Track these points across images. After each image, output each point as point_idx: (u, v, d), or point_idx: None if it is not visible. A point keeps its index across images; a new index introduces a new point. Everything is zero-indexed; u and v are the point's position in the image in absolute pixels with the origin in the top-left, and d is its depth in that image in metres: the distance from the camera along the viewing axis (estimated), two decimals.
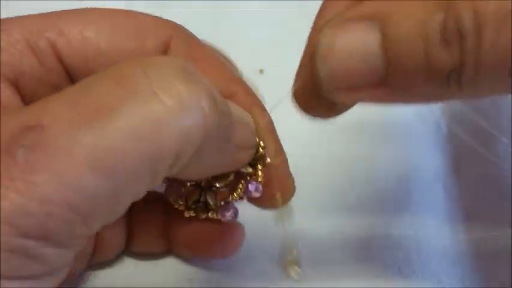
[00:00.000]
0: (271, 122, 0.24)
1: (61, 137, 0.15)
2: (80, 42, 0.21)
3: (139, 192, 0.17)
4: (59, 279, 0.17)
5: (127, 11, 0.23)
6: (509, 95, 0.34)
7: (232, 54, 0.36)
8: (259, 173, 0.22)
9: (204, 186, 0.23)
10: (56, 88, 0.21)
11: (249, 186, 0.22)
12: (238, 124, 0.20)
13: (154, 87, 0.16)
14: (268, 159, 0.22)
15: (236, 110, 0.21)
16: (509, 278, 0.29)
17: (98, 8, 0.23)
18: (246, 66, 0.35)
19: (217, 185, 0.22)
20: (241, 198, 0.23)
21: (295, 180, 0.25)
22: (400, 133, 0.34)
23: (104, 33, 0.22)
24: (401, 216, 0.31)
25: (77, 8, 0.23)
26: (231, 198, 0.23)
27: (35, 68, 0.21)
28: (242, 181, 0.22)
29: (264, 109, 0.23)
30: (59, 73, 0.22)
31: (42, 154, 0.15)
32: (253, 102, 0.23)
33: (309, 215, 0.31)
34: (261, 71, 0.35)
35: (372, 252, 0.30)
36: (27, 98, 0.21)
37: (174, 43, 0.23)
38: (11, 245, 0.14)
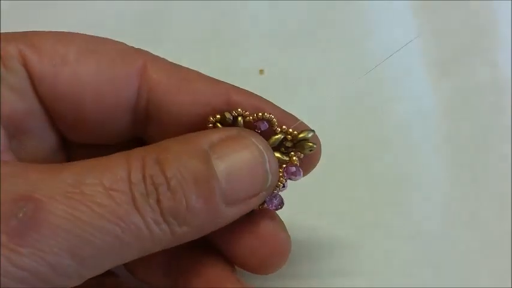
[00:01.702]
0: (284, 112, 0.23)
1: (51, 218, 0.17)
2: (49, 54, 0.21)
3: (109, 268, 0.19)
4: None
5: (98, 37, 0.23)
6: (509, 93, 0.34)
7: (232, 54, 0.36)
8: (294, 158, 0.22)
9: None
10: (18, 93, 0.21)
11: (290, 169, 0.22)
12: (239, 181, 0.20)
13: (135, 195, 0.18)
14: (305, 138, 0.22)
15: (238, 162, 0.20)
16: (510, 278, 0.29)
17: (76, 33, 0.22)
18: (246, 67, 0.35)
19: None
20: (283, 186, 0.22)
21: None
22: (399, 133, 0.34)
23: (74, 50, 0.21)
24: (401, 216, 0.31)
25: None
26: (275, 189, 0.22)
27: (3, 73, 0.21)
28: (280, 170, 0.22)
29: (270, 103, 0.23)
30: (22, 78, 0.21)
31: (32, 229, 0.17)
32: (259, 102, 0.22)
33: (309, 216, 0.31)
34: (261, 71, 0.35)
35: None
36: None
37: (151, 67, 0.22)
38: None
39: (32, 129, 0.22)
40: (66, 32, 0.22)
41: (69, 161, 0.23)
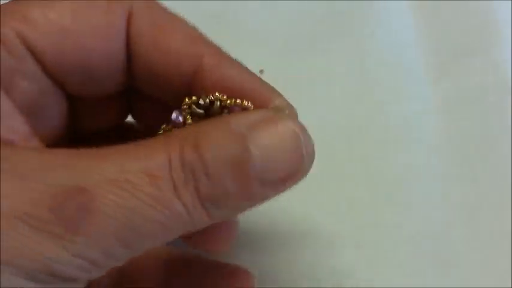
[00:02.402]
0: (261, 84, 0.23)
1: (102, 208, 0.18)
2: (45, 25, 0.21)
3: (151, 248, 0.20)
4: None
5: None
6: (510, 94, 0.34)
7: (232, 54, 0.36)
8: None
9: None
10: (29, 78, 0.22)
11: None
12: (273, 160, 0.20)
13: (176, 182, 0.18)
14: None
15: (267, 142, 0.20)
16: (510, 278, 0.29)
17: None
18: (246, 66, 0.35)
19: None
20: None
21: None
22: (399, 133, 0.34)
23: (67, 13, 0.22)
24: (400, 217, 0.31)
25: None
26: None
27: (6, 61, 0.21)
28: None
29: (245, 72, 0.23)
30: (29, 61, 0.22)
31: (85, 219, 0.18)
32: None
33: (309, 215, 0.31)
34: (261, 71, 0.35)
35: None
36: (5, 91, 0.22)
37: (136, 12, 0.23)
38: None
39: (45, 107, 0.23)
40: None
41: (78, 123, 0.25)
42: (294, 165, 0.20)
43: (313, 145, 0.21)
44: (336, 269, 0.30)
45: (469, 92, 0.34)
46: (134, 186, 0.18)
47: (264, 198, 0.20)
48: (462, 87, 0.34)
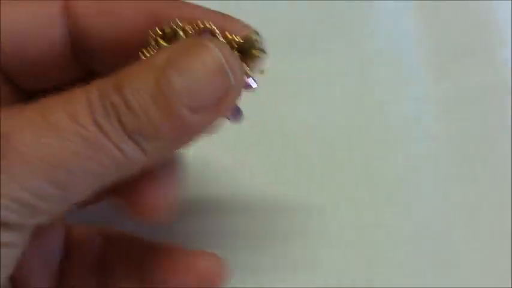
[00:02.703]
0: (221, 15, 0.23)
1: (20, 146, 0.18)
2: None
3: (92, 191, 0.19)
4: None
5: None
6: (509, 93, 0.34)
7: None
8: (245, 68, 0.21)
9: None
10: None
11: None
12: (199, 88, 0.19)
13: (97, 117, 0.18)
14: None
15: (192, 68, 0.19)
16: (510, 278, 0.29)
17: None
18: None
19: None
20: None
21: None
22: (399, 133, 0.34)
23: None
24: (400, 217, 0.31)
25: None
26: None
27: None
28: None
29: (200, 8, 0.22)
30: None
31: (3, 158, 0.18)
32: (190, 10, 0.22)
33: (309, 216, 0.31)
34: (262, 72, 0.35)
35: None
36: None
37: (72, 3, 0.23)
38: None
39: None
40: None
41: None
42: (221, 83, 0.20)
43: (237, 60, 0.21)
44: (336, 269, 0.30)
45: (469, 92, 0.34)
46: (53, 124, 0.18)
47: (199, 123, 0.20)
48: (462, 87, 0.34)
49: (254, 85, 0.22)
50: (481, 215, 0.31)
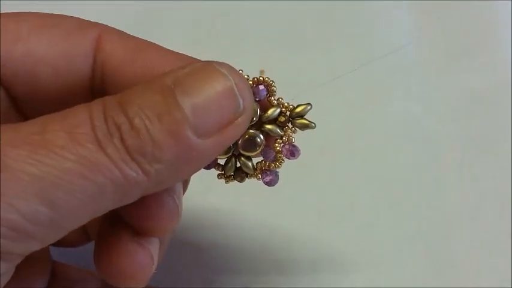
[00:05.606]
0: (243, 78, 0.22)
1: (13, 164, 0.16)
2: (1, 35, 0.21)
3: (88, 217, 0.18)
4: None
5: (52, 14, 0.22)
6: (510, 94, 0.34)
7: (232, 54, 0.36)
8: (289, 133, 0.21)
9: (237, 153, 0.22)
10: None
11: (287, 148, 0.22)
12: (203, 109, 0.19)
13: (99, 136, 0.17)
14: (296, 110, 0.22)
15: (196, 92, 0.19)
16: (510, 278, 0.29)
17: (28, 12, 0.22)
18: (246, 67, 0.35)
19: (243, 158, 0.22)
20: (280, 162, 0.22)
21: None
22: (399, 134, 0.34)
23: (26, 29, 0.21)
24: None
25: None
26: (272, 166, 0.22)
27: None
28: (277, 145, 0.21)
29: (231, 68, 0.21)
30: None
31: None
32: (216, 65, 0.21)
33: (309, 216, 0.31)
34: (262, 72, 0.35)
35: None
36: None
37: (105, 38, 0.22)
38: None
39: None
40: (17, 12, 0.22)
41: None
42: (229, 108, 0.19)
43: (247, 85, 0.20)
44: (336, 269, 0.30)
45: (469, 92, 0.34)
46: (50, 142, 0.17)
47: (205, 149, 0.19)
48: (462, 87, 0.34)
49: (298, 154, 0.22)
50: (481, 215, 0.31)
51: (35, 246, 0.17)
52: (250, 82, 0.21)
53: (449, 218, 0.31)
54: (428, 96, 0.34)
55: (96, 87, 0.22)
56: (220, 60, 0.21)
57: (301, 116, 0.22)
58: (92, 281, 0.27)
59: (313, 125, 0.22)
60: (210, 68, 0.19)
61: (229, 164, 0.22)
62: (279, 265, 0.30)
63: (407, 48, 0.36)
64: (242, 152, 0.22)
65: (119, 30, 0.23)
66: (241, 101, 0.19)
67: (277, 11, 0.37)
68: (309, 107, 0.22)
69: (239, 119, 0.19)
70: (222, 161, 0.22)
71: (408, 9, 0.37)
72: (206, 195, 0.31)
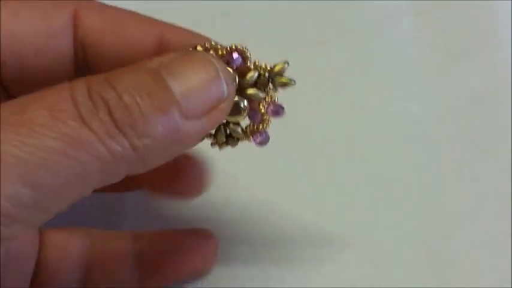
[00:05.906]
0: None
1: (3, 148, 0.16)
2: None
3: (74, 198, 0.18)
4: None
5: None
6: (510, 93, 0.34)
7: None
8: (272, 94, 0.22)
9: (225, 121, 0.23)
10: None
11: (272, 108, 0.22)
12: (190, 96, 0.19)
13: (82, 112, 0.17)
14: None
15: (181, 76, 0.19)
16: (510, 278, 0.29)
17: None
18: None
19: (231, 124, 0.22)
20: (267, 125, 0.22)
21: None
22: (399, 134, 0.34)
23: (15, 15, 0.21)
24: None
25: None
26: (261, 127, 0.22)
27: None
28: (261, 107, 0.22)
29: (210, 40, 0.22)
30: None
31: None
32: (188, 34, 0.22)
33: (309, 216, 0.31)
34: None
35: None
36: None
37: (83, 13, 0.22)
38: None
39: None
40: None
41: None
42: (215, 93, 0.20)
43: (230, 74, 0.21)
44: (336, 269, 0.30)
45: (469, 92, 0.34)
46: (30, 121, 0.16)
47: (190, 132, 0.19)
48: (462, 87, 0.34)
49: (283, 112, 0.22)
50: (481, 215, 0.31)
51: (18, 230, 0.17)
52: (224, 51, 0.22)
53: (449, 218, 0.31)
54: (428, 96, 0.34)
55: (81, 66, 0.23)
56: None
57: (280, 74, 0.22)
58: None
59: (293, 82, 0.22)
60: (193, 55, 0.20)
61: (220, 132, 0.23)
62: (276, 265, 0.30)
63: (407, 48, 0.36)
64: (228, 119, 0.22)
65: (95, 2, 0.23)
66: (225, 87, 0.20)
67: (277, 11, 0.37)
68: (286, 65, 0.22)
69: (223, 104, 0.20)
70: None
71: (408, 9, 0.37)
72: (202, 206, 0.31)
